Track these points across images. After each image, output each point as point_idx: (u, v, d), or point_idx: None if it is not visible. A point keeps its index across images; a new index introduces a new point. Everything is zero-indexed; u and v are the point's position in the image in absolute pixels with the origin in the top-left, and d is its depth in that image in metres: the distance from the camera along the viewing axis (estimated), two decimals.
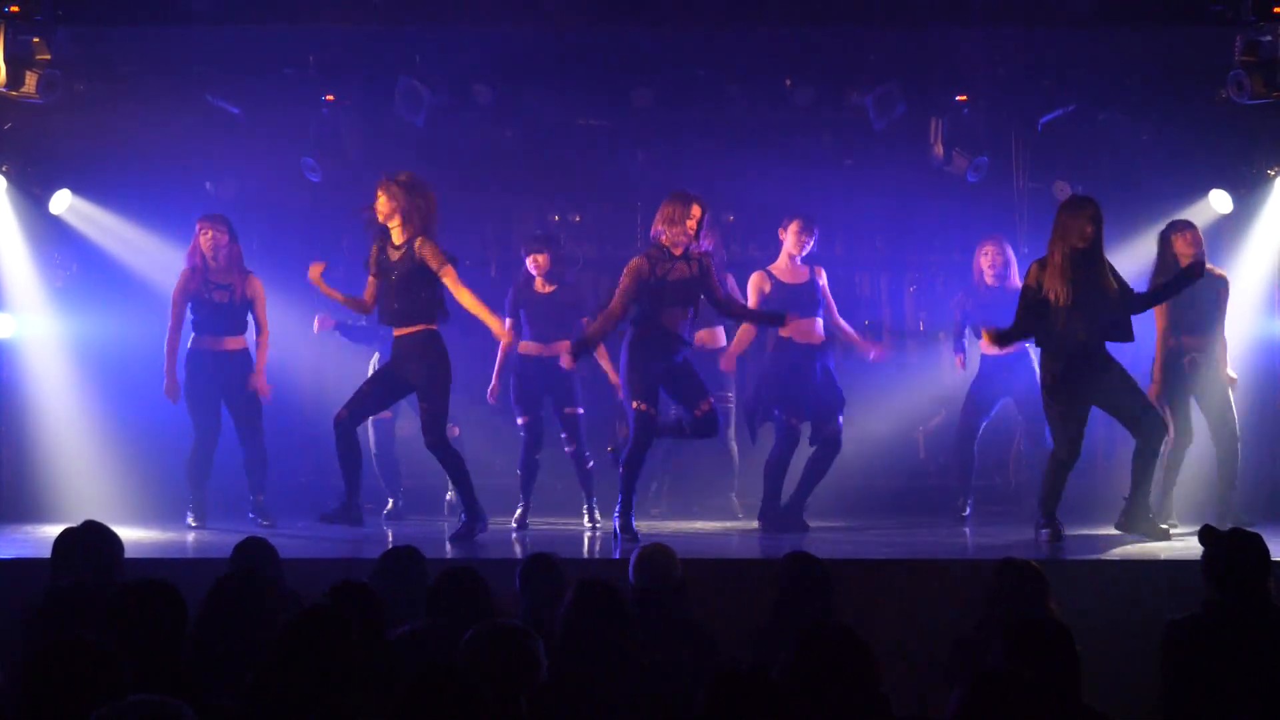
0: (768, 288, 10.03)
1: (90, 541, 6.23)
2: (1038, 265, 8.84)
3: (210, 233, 10.00)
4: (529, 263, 10.34)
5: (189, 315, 10.07)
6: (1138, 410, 8.92)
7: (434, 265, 8.99)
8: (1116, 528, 9.08)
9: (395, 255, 9.10)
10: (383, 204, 9.09)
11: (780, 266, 10.10)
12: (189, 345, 10.06)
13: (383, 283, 9.17)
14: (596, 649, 5.11)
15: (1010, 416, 10.79)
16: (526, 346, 10.33)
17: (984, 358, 10.53)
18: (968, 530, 10.23)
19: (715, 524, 10.51)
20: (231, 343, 10.13)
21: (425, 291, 9.07)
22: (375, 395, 9.33)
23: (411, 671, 4.00)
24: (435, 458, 9.20)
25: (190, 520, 10.02)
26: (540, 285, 10.35)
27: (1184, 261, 9.42)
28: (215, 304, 10.05)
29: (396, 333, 9.20)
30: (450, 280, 9.01)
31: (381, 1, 10.08)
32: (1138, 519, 8.99)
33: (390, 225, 9.11)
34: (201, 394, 10.05)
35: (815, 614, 5.80)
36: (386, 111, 11.01)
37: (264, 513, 10.10)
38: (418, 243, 9.03)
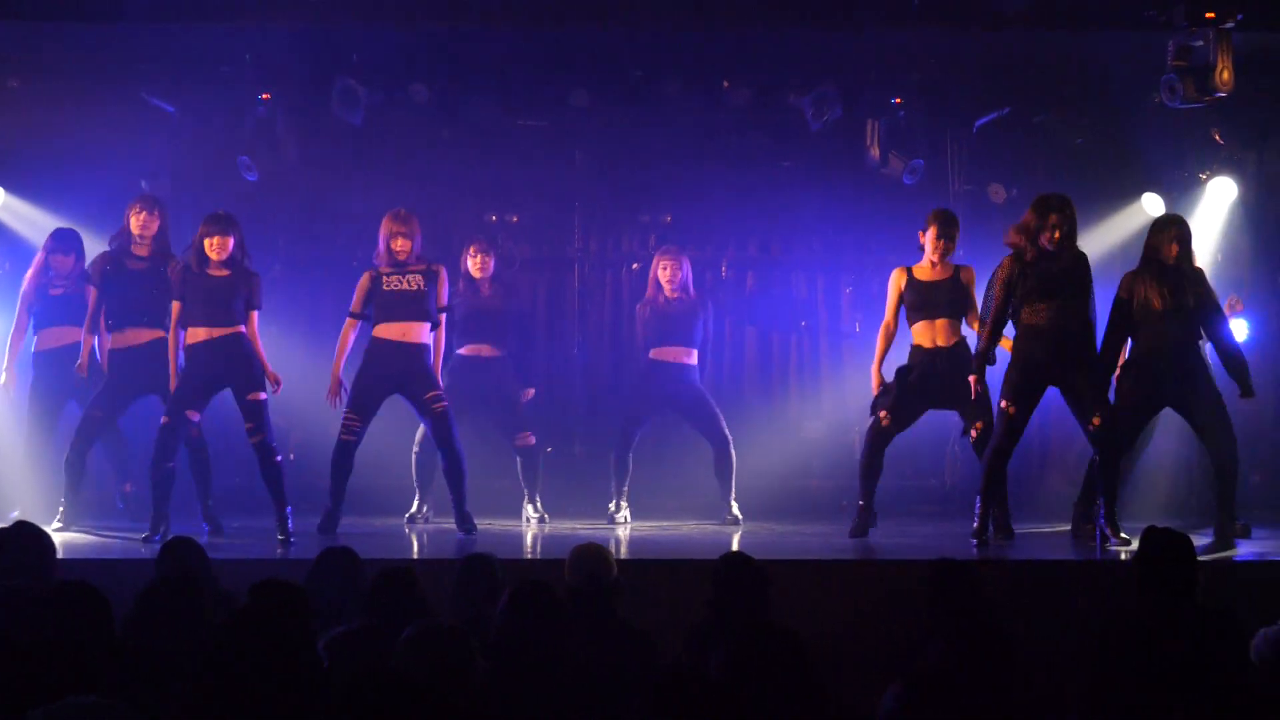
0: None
1: (22, 542, 6.16)
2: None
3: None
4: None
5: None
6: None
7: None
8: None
9: None
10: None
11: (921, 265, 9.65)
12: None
13: None
14: (532, 649, 5.10)
15: (949, 416, 10.77)
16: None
17: (653, 364, 10.56)
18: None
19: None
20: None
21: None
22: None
23: (348, 672, 3.98)
24: None
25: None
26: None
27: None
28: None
29: None
30: None
31: (318, 0, 10.05)
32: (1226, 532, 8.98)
33: None
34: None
35: (751, 614, 5.82)
36: (323, 110, 10.99)
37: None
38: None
